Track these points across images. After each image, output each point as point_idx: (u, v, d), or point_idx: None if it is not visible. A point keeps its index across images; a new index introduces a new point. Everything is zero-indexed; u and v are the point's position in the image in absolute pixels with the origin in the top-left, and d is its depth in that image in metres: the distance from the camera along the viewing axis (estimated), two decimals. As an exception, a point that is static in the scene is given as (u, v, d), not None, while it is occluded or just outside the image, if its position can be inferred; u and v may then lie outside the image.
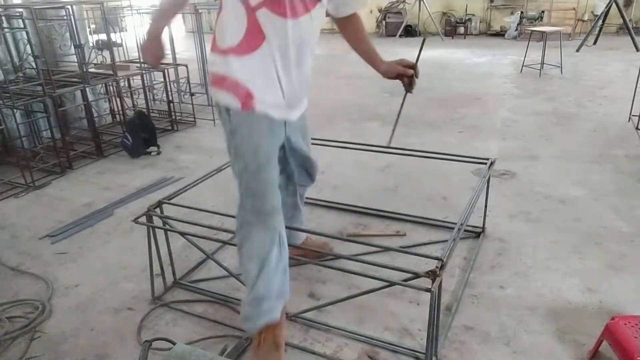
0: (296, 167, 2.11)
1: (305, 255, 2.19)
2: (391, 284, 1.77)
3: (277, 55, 1.57)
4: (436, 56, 8.45)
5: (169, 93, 4.79)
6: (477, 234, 2.68)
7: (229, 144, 1.70)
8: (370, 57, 1.94)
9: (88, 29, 4.66)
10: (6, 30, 3.80)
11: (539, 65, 6.60)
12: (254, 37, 1.54)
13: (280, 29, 1.53)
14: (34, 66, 3.70)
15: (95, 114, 4.32)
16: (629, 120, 4.51)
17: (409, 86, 1.91)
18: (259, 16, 1.51)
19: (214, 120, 4.94)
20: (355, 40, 1.94)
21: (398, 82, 1.95)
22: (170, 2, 1.68)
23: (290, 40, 1.55)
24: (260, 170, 1.68)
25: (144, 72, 4.69)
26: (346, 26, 1.92)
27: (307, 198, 2.54)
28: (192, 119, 5.01)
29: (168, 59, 4.98)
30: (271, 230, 1.74)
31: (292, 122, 1.81)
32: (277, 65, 1.58)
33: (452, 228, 1.95)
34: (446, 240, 1.87)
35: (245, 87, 1.58)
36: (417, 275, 1.67)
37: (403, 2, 11.13)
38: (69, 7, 3.77)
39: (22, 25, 3.63)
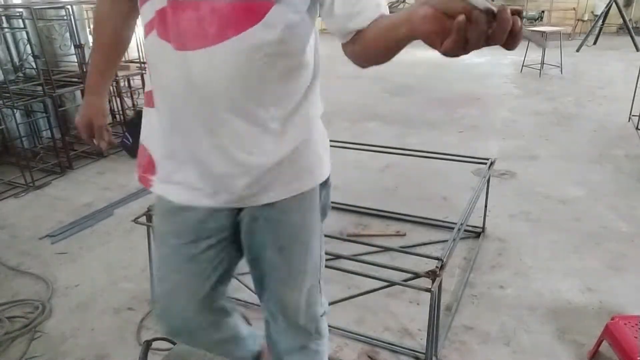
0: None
1: None
2: (391, 284, 1.77)
3: (171, 109, 1.02)
4: (436, 56, 8.36)
5: (169, 93, 4.78)
6: (477, 234, 2.68)
7: None
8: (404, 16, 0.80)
9: (88, 29, 4.64)
10: (6, 30, 3.80)
11: (539, 65, 6.60)
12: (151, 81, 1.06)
13: (170, 67, 0.95)
14: (34, 66, 3.70)
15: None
16: (629, 120, 4.51)
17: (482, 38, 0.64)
18: (146, 47, 1.01)
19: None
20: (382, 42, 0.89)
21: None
22: (105, 46, 1.21)
23: (181, 88, 0.95)
24: (158, 273, 1.25)
25: (143, 72, 4.69)
26: (363, 46, 0.94)
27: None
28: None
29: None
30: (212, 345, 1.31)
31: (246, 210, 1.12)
32: (170, 126, 1.04)
33: (452, 228, 1.95)
34: (446, 240, 1.87)
35: (148, 152, 1.11)
36: (417, 275, 1.67)
37: (403, 2, 11.12)
38: (69, 7, 3.78)
39: (22, 25, 3.63)
